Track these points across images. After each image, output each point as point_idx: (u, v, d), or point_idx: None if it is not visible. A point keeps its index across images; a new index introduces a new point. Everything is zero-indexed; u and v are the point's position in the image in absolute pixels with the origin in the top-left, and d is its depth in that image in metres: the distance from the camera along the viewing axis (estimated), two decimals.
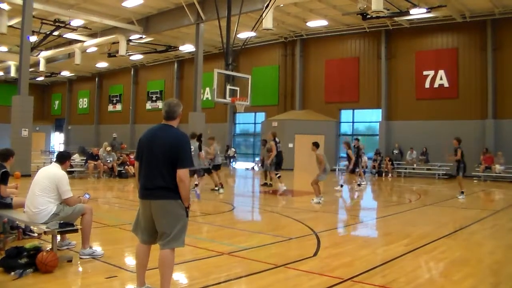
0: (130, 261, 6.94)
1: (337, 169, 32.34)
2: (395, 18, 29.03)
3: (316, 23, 32.27)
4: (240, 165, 37.40)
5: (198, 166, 15.50)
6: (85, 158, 23.36)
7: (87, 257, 6.86)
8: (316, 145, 14.62)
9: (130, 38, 34.66)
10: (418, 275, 6.75)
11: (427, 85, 30.94)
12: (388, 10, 24.49)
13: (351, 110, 35.04)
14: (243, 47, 26.89)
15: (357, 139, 21.47)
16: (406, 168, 30.20)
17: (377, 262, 7.27)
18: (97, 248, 7.15)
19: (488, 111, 28.66)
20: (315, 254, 7.68)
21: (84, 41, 35.49)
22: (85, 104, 56.84)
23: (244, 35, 30.38)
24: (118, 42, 33.11)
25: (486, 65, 28.91)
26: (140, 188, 5.18)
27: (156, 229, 5.06)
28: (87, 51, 37.62)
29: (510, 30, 28.40)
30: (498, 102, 28.56)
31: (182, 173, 4.89)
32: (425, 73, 31.01)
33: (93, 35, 35.31)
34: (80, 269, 6.56)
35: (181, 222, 5.01)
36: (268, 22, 24.32)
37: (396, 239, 9.37)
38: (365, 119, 35.02)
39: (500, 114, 28.45)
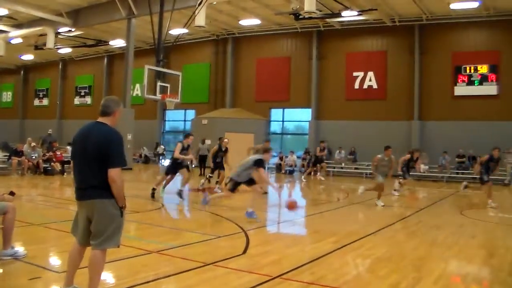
0: (55, 261, 6.75)
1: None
2: (327, 20, 29.55)
3: (249, 21, 32.41)
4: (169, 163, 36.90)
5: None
6: (8, 154, 22.50)
7: (9, 258, 6.53)
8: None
9: (59, 30, 33.64)
10: (346, 271, 6.90)
11: (356, 86, 31.72)
12: (320, 11, 24.89)
13: (282, 109, 35.38)
14: (174, 43, 26.67)
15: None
16: (334, 167, 30.75)
17: (306, 259, 7.36)
18: (19, 248, 6.83)
19: (414, 112, 29.65)
20: (244, 252, 7.68)
21: (8, 32, 34.06)
22: (9, 98, 54.63)
23: (176, 31, 30.12)
24: (46, 34, 32.08)
25: (413, 68, 29.89)
26: (75, 188, 5.02)
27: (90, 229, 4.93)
28: (12, 42, 36.10)
29: (436, 35, 29.55)
30: (424, 104, 29.62)
31: (113, 173, 4.72)
32: (355, 74, 31.77)
33: (18, 26, 33.96)
34: (1, 270, 6.28)
35: (115, 222, 4.87)
36: (200, 19, 24.24)
37: (324, 236, 9.52)
38: (295, 118, 35.44)
39: (425, 116, 29.51)
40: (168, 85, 24.50)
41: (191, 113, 38.41)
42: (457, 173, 27.53)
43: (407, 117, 30.10)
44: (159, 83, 23.76)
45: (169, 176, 14.86)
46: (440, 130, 28.50)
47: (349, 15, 27.57)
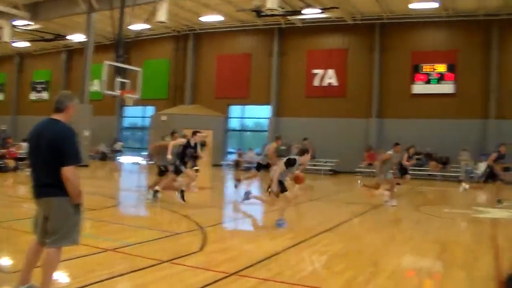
0: (5, 261, 6.58)
1: (223, 164, 32.63)
2: (289, 17, 29.65)
3: (211, 18, 32.26)
4: (127, 159, 36.53)
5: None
6: None
7: None
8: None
9: (16, 24, 32.81)
10: (302, 268, 6.95)
11: (316, 83, 31.92)
12: (282, 8, 24.92)
13: (241, 106, 35.40)
14: (135, 39, 26.38)
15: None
16: None
17: (262, 256, 7.32)
18: None
19: (373, 110, 30.02)
20: (201, 249, 7.64)
21: None
22: None
23: (137, 27, 29.80)
24: (2, 28, 31.27)
25: (373, 66, 30.30)
26: (32, 186, 4.91)
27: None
28: None
29: (396, 34, 30.03)
30: (383, 102, 30.03)
31: (67, 171, 4.62)
32: (315, 71, 31.97)
33: None
34: None
35: (71, 220, 4.79)
36: (161, 14, 24.07)
37: (281, 233, 9.55)
38: (255, 115, 35.46)
39: (383, 114, 29.93)
40: (128, 81, 24.21)
41: (150, 110, 38.04)
42: (413, 170, 27.91)
43: (366, 114, 30.47)
44: (118, 79, 23.46)
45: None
46: (398, 128, 28.87)
47: (311, 13, 27.74)
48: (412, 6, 27.24)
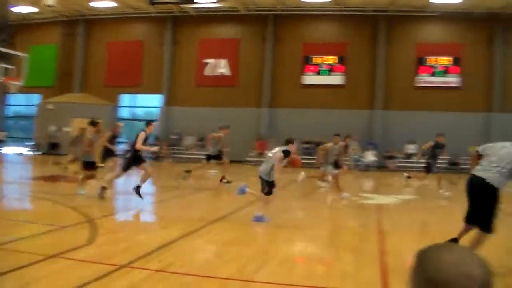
0: None
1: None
2: (182, 5, 29.40)
3: (102, 3, 31.46)
4: (11, 150, 34.61)
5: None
6: None
7: None
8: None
9: None
10: (194, 257, 6.96)
11: (208, 72, 31.90)
12: None
13: (132, 95, 34.78)
14: (20, 22, 25.13)
15: None
16: (183, 154, 30.69)
17: (154, 246, 7.22)
18: None
19: (264, 100, 30.51)
20: (91, 241, 7.40)
21: None
22: None
23: (23, 9, 28.35)
24: None
25: (265, 56, 30.76)
26: None
27: None
28: None
29: (287, 25, 30.66)
30: (274, 92, 30.58)
31: None
32: (207, 60, 31.99)
33: None
34: None
35: None
36: None
37: (173, 223, 9.54)
38: (146, 104, 34.95)
39: (275, 104, 30.50)
40: (13, 67, 23.08)
41: (36, 98, 36.35)
42: (303, 159, 28.65)
43: (257, 104, 30.89)
44: (1, 65, 22.31)
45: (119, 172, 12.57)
46: (289, 118, 29.55)
47: (205, 2, 27.71)
48: None
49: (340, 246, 8.03)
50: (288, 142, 10.15)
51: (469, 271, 1.35)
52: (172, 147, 30.74)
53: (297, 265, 6.87)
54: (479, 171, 6.56)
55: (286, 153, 9.83)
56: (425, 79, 29.99)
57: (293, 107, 30.16)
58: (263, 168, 9.92)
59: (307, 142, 28.84)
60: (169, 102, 32.93)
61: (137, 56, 33.78)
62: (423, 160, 16.30)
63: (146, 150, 12.49)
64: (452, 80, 29.75)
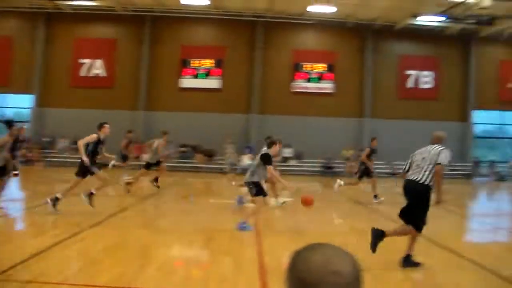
0: None
1: None
2: (57, 2, 28.22)
3: None
4: None
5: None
6: None
7: None
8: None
9: None
10: (68, 265, 6.61)
11: (83, 73, 30.88)
12: None
13: (0, 95, 32.69)
14: None
15: None
16: (56, 157, 29.30)
17: (25, 256, 6.73)
18: None
19: (140, 102, 30.09)
20: None
21: None
22: None
23: None
24: None
25: (142, 58, 30.29)
26: None
27: None
28: None
29: (166, 27, 30.47)
30: (151, 95, 30.33)
31: None
32: (82, 61, 30.94)
33: None
34: None
35: None
36: None
37: (45, 230, 9.09)
38: (15, 105, 32.99)
39: (151, 106, 30.20)
40: None
41: None
42: (179, 162, 28.46)
43: (133, 106, 30.31)
44: None
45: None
46: (166, 120, 29.16)
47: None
48: (183, 1, 27.89)
49: (217, 249, 8.05)
50: (272, 143, 10.05)
51: (337, 269, 1.44)
52: (44, 150, 29.24)
53: (175, 270, 6.80)
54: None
55: (267, 160, 9.66)
56: (301, 84, 30.88)
57: (170, 110, 29.86)
58: (247, 175, 9.88)
59: (184, 146, 28.69)
60: (41, 103, 31.29)
61: (5, 54, 31.72)
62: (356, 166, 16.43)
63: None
64: (326, 86, 30.86)
